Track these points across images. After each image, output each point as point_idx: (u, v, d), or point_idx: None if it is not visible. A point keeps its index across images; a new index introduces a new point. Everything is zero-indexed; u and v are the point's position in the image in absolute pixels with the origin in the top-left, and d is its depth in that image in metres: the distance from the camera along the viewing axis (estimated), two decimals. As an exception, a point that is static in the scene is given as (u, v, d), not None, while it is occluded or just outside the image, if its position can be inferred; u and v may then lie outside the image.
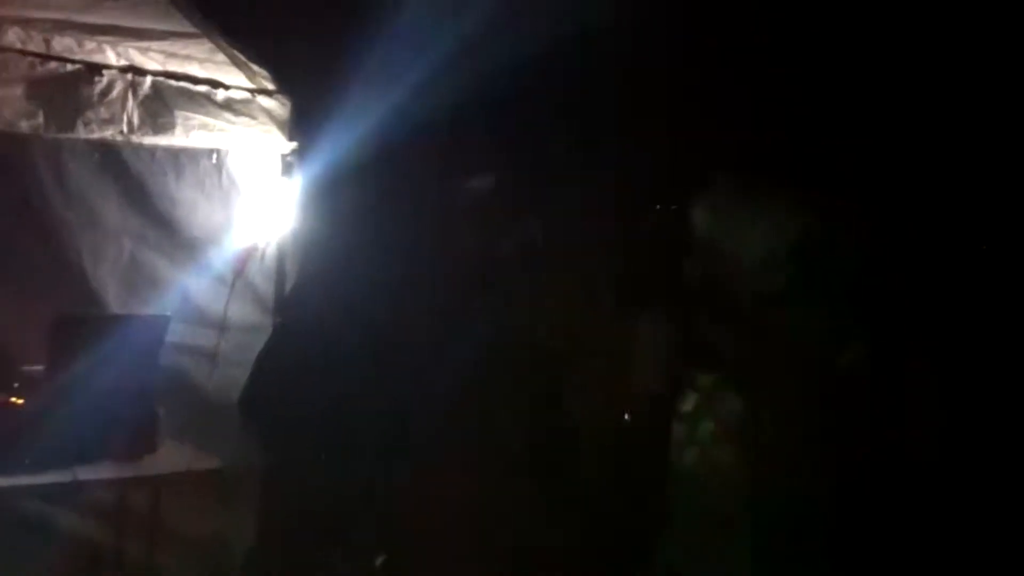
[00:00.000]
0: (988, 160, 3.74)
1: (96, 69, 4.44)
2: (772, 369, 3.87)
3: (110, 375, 4.24)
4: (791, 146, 4.00)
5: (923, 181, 3.81)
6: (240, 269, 4.95)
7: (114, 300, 4.95)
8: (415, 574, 4.19)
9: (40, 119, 4.27)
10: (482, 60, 4.18)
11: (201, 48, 4.72)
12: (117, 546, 4.68)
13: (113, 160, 4.89)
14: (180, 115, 4.66)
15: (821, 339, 3.82)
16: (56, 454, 4.14)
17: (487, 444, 3.95)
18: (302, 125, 4.94)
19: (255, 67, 4.79)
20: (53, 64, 4.33)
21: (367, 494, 4.33)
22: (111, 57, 4.54)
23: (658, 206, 4.26)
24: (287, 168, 5.01)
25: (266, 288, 5.04)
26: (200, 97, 4.74)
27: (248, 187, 5.10)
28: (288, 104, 4.95)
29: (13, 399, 4.25)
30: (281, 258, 5.01)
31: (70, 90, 4.36)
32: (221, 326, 4.88)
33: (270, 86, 4.91)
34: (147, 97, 4.57)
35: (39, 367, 4.38)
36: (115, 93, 4.48)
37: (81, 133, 4.41)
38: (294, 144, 4.95)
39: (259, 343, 4.82)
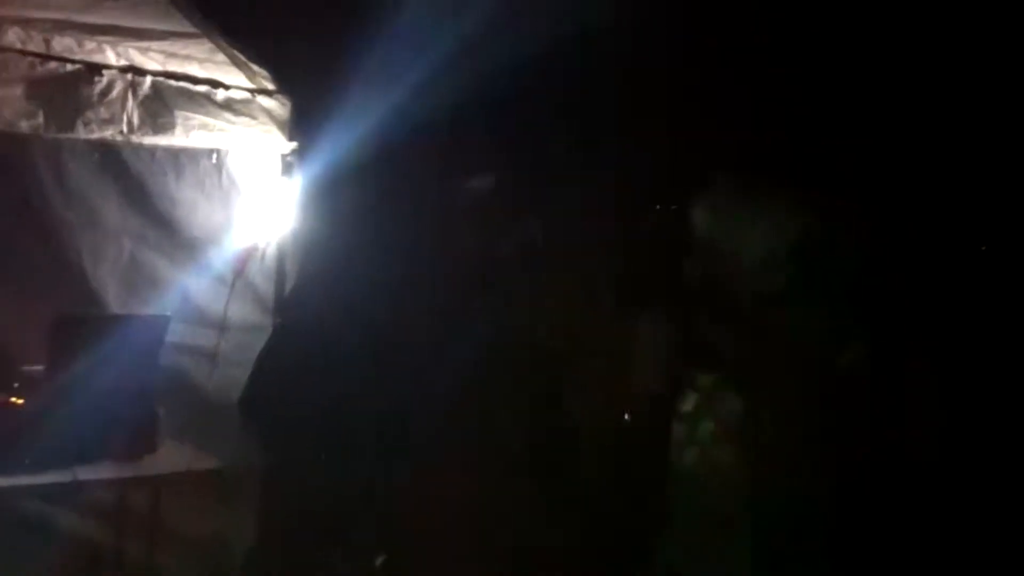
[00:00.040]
0: (987, 160, 3.74)
1: (96, 69, 4.44)
2: (772, 369, 3.87)
3: (110, 375, 4.24)
4: (791, 146, 4.00)
5: (923, 181, 3.81)
6: (240, 269, 4.95)
7: (114, 300, 4.94)
8: (415, 574, 4.19)
9: (40, 119, 4.26)
10: (482, 60, 4.19)
11: (201, 48, 4.72)
12: (117, 546, 4.68)
13: (113, 160, 4.88)
14: (180, 115, 4.66)
15: (821, 339, 3.82)
16: (56, 454, 4.13)
17: (487, 444, 3.95)
18: (302, 125, 4.94)
19: (255, 67, 4.79)
20: (53, 64, 4.33)
21: (367, 494, 4.33)
22: (111, 57, 4.54)
23: (658, 206, 4.26)
24: (287, 168, 5.01)
25: (266, 288, 5.04)
26: (200, 97, 4.74)
27: (248, 187, 5.10)
28: (288, 104, 4.95)
29: (13, 399, 4.24)
30: (281, 258, 5.01)
31: (70, 90, 4.35)
32: (221, 326, 4.88)
33: (270, 86, 4.90)
34: (147, 97, 4.56)
35: (39, 367, 4.37)
36: (115, 93, 4.48)
37: (81, 133, 4.41)
38: (294, 144, 4.94)
39: (259, 343, 4.82)
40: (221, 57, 4.77)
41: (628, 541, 3.94)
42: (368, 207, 4.61)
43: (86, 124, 4.41)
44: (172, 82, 4.66)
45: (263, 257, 4.99)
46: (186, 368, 4.93)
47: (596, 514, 3.93)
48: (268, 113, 4.92)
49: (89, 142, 4.63)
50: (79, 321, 4.43)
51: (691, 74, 4.14)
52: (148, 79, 4.58)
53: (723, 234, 4.13)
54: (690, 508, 3.93)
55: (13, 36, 4.27)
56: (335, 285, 4.65)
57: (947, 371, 3.70)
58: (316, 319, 4.62)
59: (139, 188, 4.99)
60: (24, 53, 4.26)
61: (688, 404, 4.03)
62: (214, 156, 5.03)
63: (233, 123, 4.83)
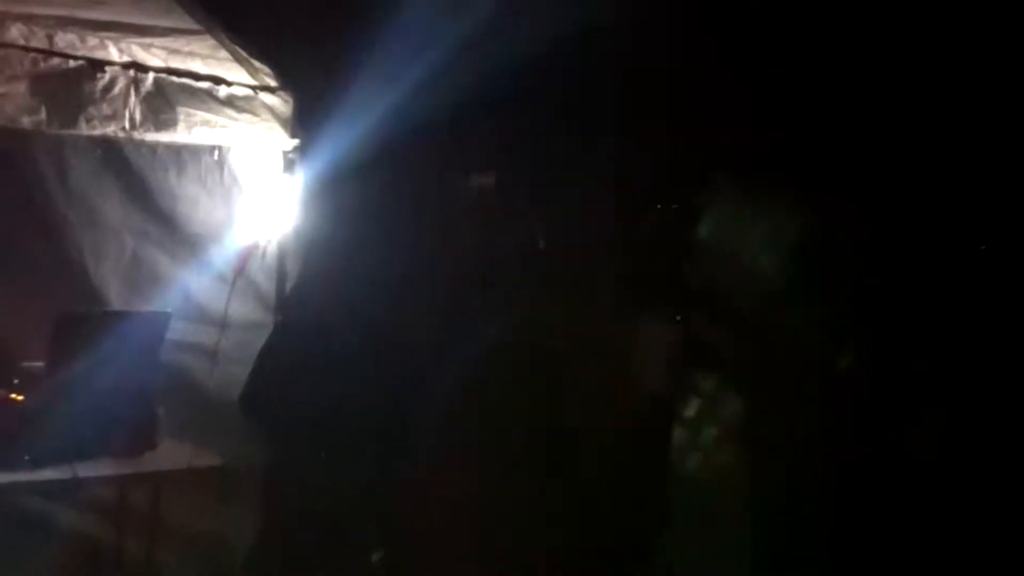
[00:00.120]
0: (987, 160, 3.73)
1: (99, 65, 4.43)
2: (772, 369, 3.87)
3: (111, 372, 4.24)
4: (791, 146, 3.99)
5: (923, 181, 3.80)
6: (241, 267, 4.95)
7: (115, 297, 4.94)
8: (415, 574, 4.19)
9: (42, 115, 4.26)
10: (483, 59, 4.19)
11: (204, 45, 4.73)
12: (117, 543, 4.69)
13: (115, 156, 4.88)
14: (182, 112, 4.66)
15: (821, 339, 3.82)
16: (56, 451, 4.13)
17: (487, 443, 3.95)
18: (304, 122, 4.94)
19: (257, 64, 4.79)
20: (56, 60, 4.33)
21: (367, 493, 4.33)
22: (114, 53, 4.53)
23: (658, 206, 4.26)
24: (289, 165, 5.01)
25: (267, 286, 5.04)
26: (202, 94, 4.74)
27: (250, 184, 5.10)
28: (290, 101, 4.95)
29: (13, 396, 4.25)
30: (282, 256, 5.01)
31: (72, 86, 4.35)
32: (222, 324, 4.88)
33: (272, 83, 4.91)
34: (149, 94, 4.56)
35: (39, 364, 4.38)
36: (117, 89, 4.48)
37: (83, 129, 4.41)
38: (296, 141, 4.95)
39: (260, 341, 4.83)
40: (223, 54, 4.78)
41: (628, 541, 3.94)
42: (369, 205, 4.62)
43: (88, 120, 4.41)
44: (174, 79, 4.66)
45: (264, 255, 4.99)
46: (187, 365, 4.93)
47: (596, 514, 3.93)
48: (270, 110, 4.92)
49: (91, 138, 4.63)
50: (80, 318, 4.44)
51: (691, 74, 4.14)
52: (150, 75, 4.57)
53: (723, 234, 4.12)
54: (690, 509, 3.93)
55: (16, 32, 4.27)
56: (336, 283, 4.66)
57: (948, 371, 3.70)
58: (317, 317, 4.62)
59: (141, 185, 4.99)
60: (27, 49, 4.26)
61: (688, 404, 4.02)
62: (216, 153, 5.03)
63: (235, 120, 4.83)
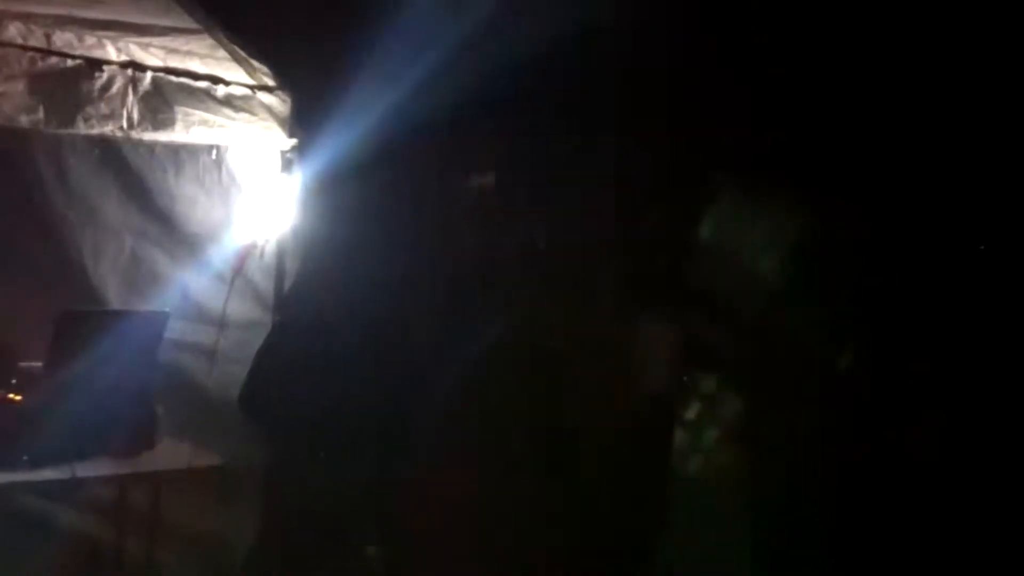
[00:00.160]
0: (987, 160, 3.74)
1: (96, 64, 4.43)
2: (772, 369, 3.88)
3: (109, 372, 4.24)
4: (791, 146, 4.00)
5: (923, 181, 3.81)
6: (239, 266, 4.95)
7: (114, 296, 4.94)
8: (415, 574, 4.20)
9: (40, 114, 4.25)
10: (483, 59, 4.18)
11: (202, 44, 4.72)
12: (116, 543, 4.69)
13: (113, 156, 4.88)
14: (180, 111, 4.65)
15: (821, 339, 3.82)
16: (55, 451, 4.13)
17: (487, 444, 3.95)
18: (302, 121, 4.94)
19: (255, 63, 4.79)
20: (54, 59, 4.31)
21: (367, 493, 4.34)
22: (111, 53, 4.52)
23: (658, 206, 4.27)
24: (287, 165, 5.01)
25: (266, 285, 5.05)
26: (200, 93, 4.73)
27: (248, 184, 5.10)
28: (288, 100, 4.95)
29: (12, 396, 4.24)
30: (281, 255, 5.01)
31: (70, 85, 4.34)
32: (220, 323, 4.88)
33: (270, 82, 4.90)
34: (147, 93, 4.56)
35: (38, 363, 4.37)
36: (115, 89, 4.47)
37: (81, 128, 4.40)
38: (294, 141, 4.94)
39: (258, 340, 4.82)
40: (222, 53, 4.77)
41: (628, 541, 3.95)
42: (368, 205, 4.61)
43: (86, 119, 4.40)
44: (172, 78, 4.65)
45: (262, 254, 4.99)
46: (186, 365, 4.94)
47: (596, 514, 3.94)
48: (268, 109, 4.92)
49: (89, 138, 4.63)
50: (81, 316, 4.43)
51: (691, 74, 4.14)
52: (148, 75, 4.56)
53: (723, 234, 4.13)
54: (691, 509, 3.93)
55: (14, 31, 4.26)
56: (335, 283, 4.65)
57: (948, 371, 3.71)
58: (316, 317, 4.62)
59: (139, 184, 4.99)
60: (25, 48, 4.25)
61: (688, 405, 4.03)
62: (214, 152, 5.03)
63: (233, 119, 4.82)
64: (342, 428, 4.36)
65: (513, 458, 3.91)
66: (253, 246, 4.98)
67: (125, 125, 4.50)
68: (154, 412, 4.57)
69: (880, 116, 3.92)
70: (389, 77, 4.42)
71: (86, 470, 4.22)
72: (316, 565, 4.35)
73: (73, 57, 4.38)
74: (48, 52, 4.32)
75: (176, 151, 4.98)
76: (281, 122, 4.94)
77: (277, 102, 4.93)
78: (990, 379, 3.63)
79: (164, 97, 4.61)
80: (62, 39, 4.40)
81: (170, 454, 4.55)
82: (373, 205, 4.56)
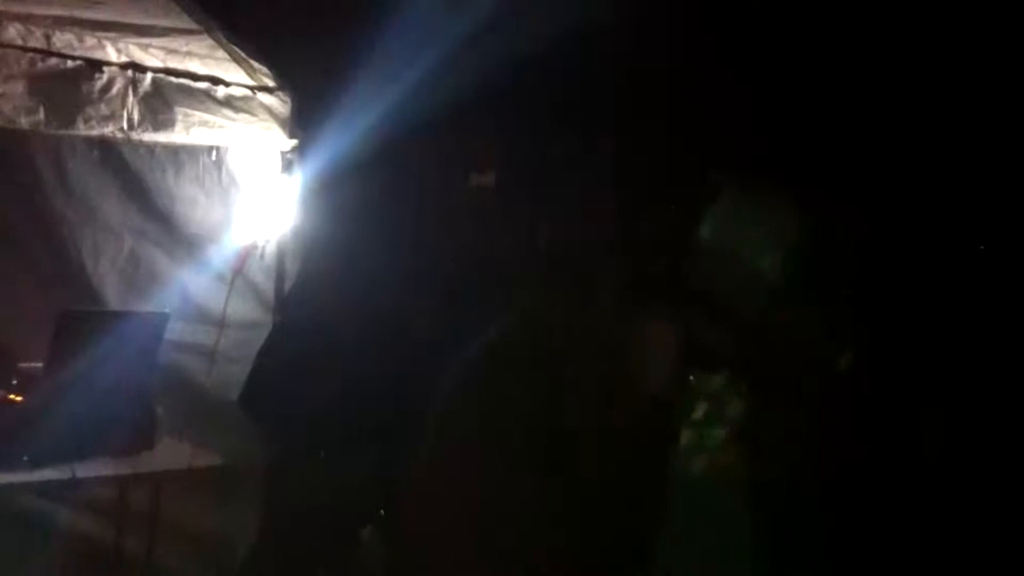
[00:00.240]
0: (987, 160, 3.75)
1: (97, 65, 4.42)
2: (773, 369, 3.88)
3: (109, 372, 4.24)
4: (791, 146, 4.00)
5: (923, 181, 3.81)
6: (240, 266, 4.95)
7: (113, 297, 4.94)
8: (415, 573, 4.19)
9: (40, 115, 4.25)
10: (483, 58, 4.19)
11: (202, 45, 4.72)
12: (116, 543, 4.69)
13: (113, 157, 4.88)
14: (180, 112, 4.65)
15: (821, 339, 3.82)
16: (54, 451, 4.13)
17: (488, 443, 3.95)
18: (302, 122, 4.94)
19: (255, 64, 4.79)
20: (54, 60, 4.31)
21: (367, 492, 4.34)
22: (112, 53, 4.52)
23: (658, 206, 4.27)
24: (287, 165, 5.01)
25: (266, 286, 5.04)
26: (200, 94, 4.73)
27: (248, 184, 5.09)
28: (288, 101, 4.94)
29: (11, 396, 4.24)
30: (281, 255, 5.01)
31: (70, 86, 4.34)
32: (220, 323, 4.88)
33: (270, 83, 4.90)
34: (147, 94, 4.55)
35: (37, 364, 4.37)
36: (115, 89, 4.47)
37: (81, 129, 4.39)
38: (294, 141, 4.94)
39: (258, 340, 4.83)
40: (222, 54, 4.77)
41: (628, 541, 3.95)
42: (368, 205, 4.62)
43: (86, 120, 4.40)
44: (172, 79, 4.65)
45: (263, 254, 4.99)
46: (185, 365, 4.93)
47: (597, 514, 3.93)
48: (268, 110, 4.92)
49: (89, 139, 4.63)
50: (82, 316, 4.43)
51: (691, 74, 4.15)
52: (148, 76, 4.56)
53: (723, 234, 4.13)
54: (691, 509, 3.93)
55: (14, 32, 4.26)
56: (335, 282, 4.66)
57: (948, 371, 3.71)
58: (316, 317, 4.62)
59: (139, 185, 4.98)
60: (25, 49, 4.25)
61: (690, 405, 4.03)
62: (214, 153, 5.02)
63: (233, 120, 4.82)
64: (342, 428, 4.37)
65: (514, 457, 3.91)
66: (253, 247, 4.98)
67: (125, 126, 4.50)
68: (154, 412, 4.56)
69: (880, 116, 3.92)
70: (389, 77, 4.43)
71: (86, 470, 4.21)
72: (316, 564, 4.35)
73: (73, 58, 4.38)
74: (48, 53, 4.32)
75: (176, 152, 4.97)
76: (281, 123, 4.94)
77: (277, 103, 4.93)
78: (990, 379, 3.63)
79: (164, 98, 4.61)
80: (62, 40, 4.40)
81: (170, 454, 4.55)
82: (373, 205, 4.56)
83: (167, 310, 4.67)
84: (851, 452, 3.68)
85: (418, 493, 4.11)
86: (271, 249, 5.00)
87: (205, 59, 4.79)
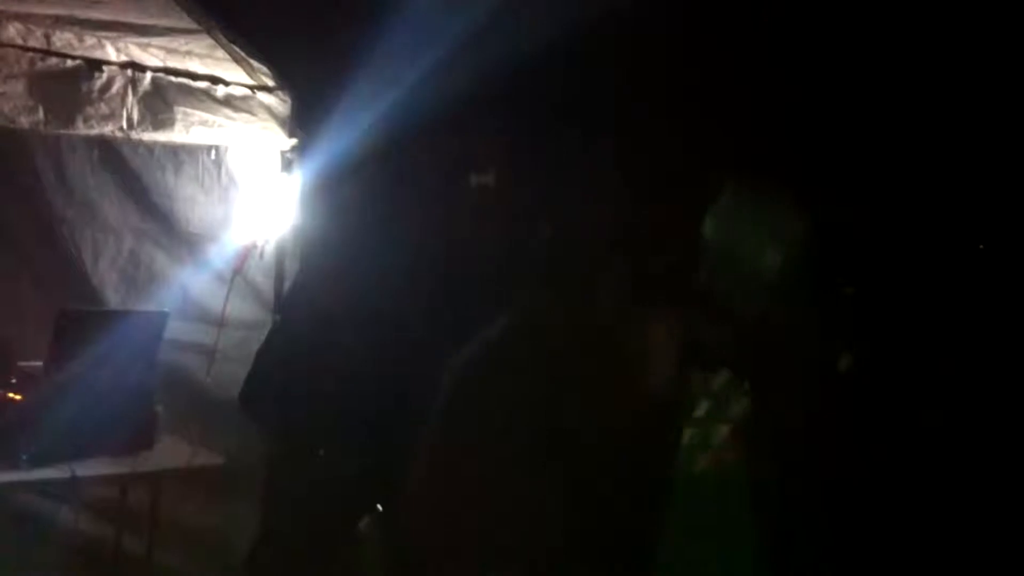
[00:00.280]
0: (987, 160, 3.75)
1: (96, 65, 4.43)
2: (774, 369, 3.87)
3: (109, 371, 4.25)
4: (793, 145, 4.00)
5: (924, 181, 3.81)
6: (239, 266, 4.95)
7: (113, 296, 4.95)
8: (415, 572, 4.19)
9: (40, 115, 4.25)
10: (483, 57, 4.19)
11: (201, 44, 4.72)
12: (116, 542, 4.69)
13: (112, 156, 4.89)
14: (180, 111, 4.65)
15: (822, 339, 3.82)
16: (54, 450, 4.13)
17: (490, 442, 3.95)
18: (302, 121, 4.94)
19: (255, 63, 4.79)
20: (53, 60, 4.32)
21: (367, 491, 4.34)
22: (111, 53, 4.53)
23: (659, 205, 4.27)
24: (286, 165, 5.02)
25: (265, 285, 5.05)
26: (200, 93, 4.73)
27: (247, 184, 5.10)
28: (288, 100, 4.95)
29: (11, 395, 4.25)
30: (280, 255, 5.01)
31: (70, 86, 4.34)
32: (220, 323, 4.89)
33: (270, 82, 4.90)
34: (147, 93, 4.56)
35: (37, 363, 4.38)
36: (115, 89, 4.47)
37: (81, 129, 4.40)
38: (294, 140, 4.95)
39: (258, 340, 4.82)
40: (221, 53, 4.77)
41: (628, 541, 3.94)
42: (368, 204, 4.61)
43: (86, 120, 4.40)
44: (172, 78, 4.65)
45: (262, 254, 4.99)
46: (185, 364, 4.94)
47: (597, 514, 3.93)
48: (268, 110, 4.92)
49: (88, 138, 4.64)
50: (79, 317, 4.44)
51: (692, 73, 4.15)
52: (148, 75, 4.56)
53: (724, 234, 4.12)
54: (691, 509, 3.93)
55: (13, 31, 4.27)
56: (335, 281, 4.65)
57: (948, 371, 3.71)
58: (316, 316, 4.62)
59: (138, 184, 4.99)
60: (24, 49, 4.26)
61: (691, 404, 4.02)
62: (213, 152, 5.03)
63: (233, 119, 4.82)
64: (342, 427, 4.36)
65: (514, 456, 3.91)
66: (253, 246, 4.98)
67: (125, 125, 4.50)
68: (154, 411, 4.57)
69: (881, 116, 3.92)
70: (389, 76, 4.43)
71: (85, 469, 4.21)
72: (316, 563, 4.34)
73: (73, 57, 4.38)
74: (48, 52, 4.32)
75: (176, 151, 4.98)
76: (281, 122, 4.94)
77: (277, 102, 4.93)
78: (991, 378, 3.63)
79: (163, 97, 4.62)
80: (62, 39, 4.41)
81: (170, 453, 4.56)
82: (373, 204, 4.56)
83: (167, 309, 4.68)
84: (851, 451, 3.68)
85: (418, 492, 4.11)
86: (271, 248, 5.00)
87: (205, 58, 4.80)
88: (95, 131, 4.45)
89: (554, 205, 4.34)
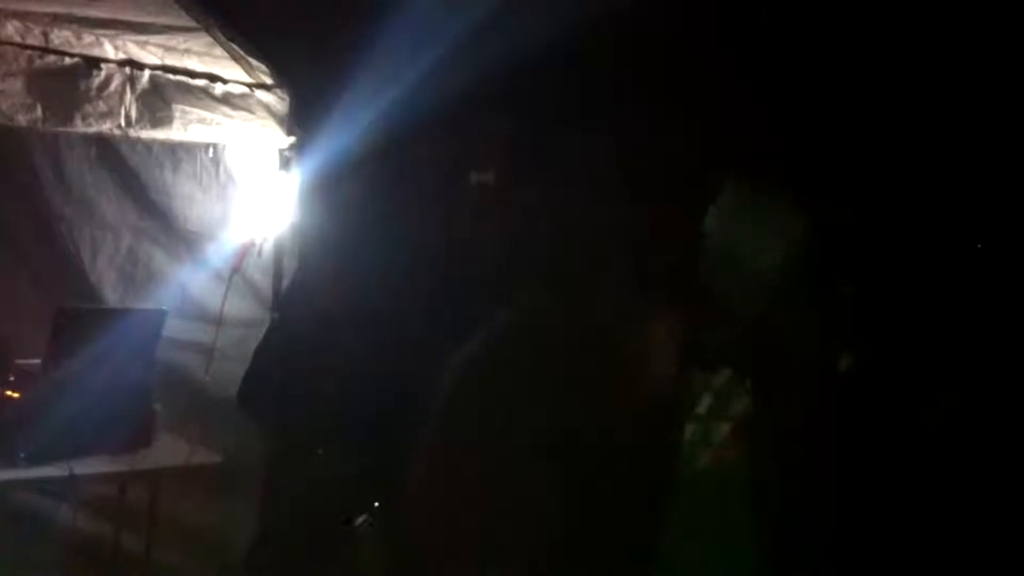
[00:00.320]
0: (987, 160, 3.75)
1: (94, 63, 4.43)
2: (774, 369, 3.88)
3: (107, 369, 4.25)
4: (793, 145, 4.00)
5: (924, 181, 3.82)
6: (237, 264, 4.95)
7: (111, 294, 4.94)
8: (415, 572, 4.20)
9: (38, 112, 4.26)
10: (483, 55, 4.18)
11: (200, 42, 4.72)
12: (114, 540, 4.69)
13: (111, 154, 4.88)
14: (178, 109, 4.66)
15: (823, 339, 3.83)
16: (52, 448, 4.13)
17: (490, 442, 3.95)
18: (301, 119, 4.94)
19: (253, 61, 4.79)
20: (51, 57, 4.32)
21: (366, 490, 4.34)
22: (109, 51, 4.53)
23: (660, 205, 4.27)
24: (285, 163, 5.01)
25: (264, 283, 5.05)
26: (198, 91, 4.73)
27: (246, 182, 5.10)
28: (287, 98, 4.95)
29: (9, 392, 4.24)
30: (279, 253, 5.01)
31: (68, 83, 4.35)
32: (218, 321, 4.88)
33: (268, 80, 4.91)
34: (145, 91, 4.56)
35: (35, 361, 4.37)
36: (113, 87, 4.48)
37: (79, 127, 4.40)
38: (292, 139, 4.95)
39: (256, 338, 4.83)
40: (219, 51, 4.77)
41: (628, 541, 3.95)
42: (367, 202, 4.61)
43: (84, 118, 4.40)
44: (170, 76, 4.66)
45: (260, 252, 4.99)
46: (183, 363, 4.94)
47: (597, 514, 3.94)
48: (266, 108, 4.92)
49: (87, 136, 4.63)
50: (78, 315, 4.43)
51: (693, 73, 4.14)
52: (146, 73, 4.57)
53: (724, 234, 4.13)
54: (692, 508, 3.94)
55: (12, 29, 4.27)
56: (333, 280, 4.65)
57: (949, 371, 3.72)
58: (314, 314, 4.62)
59: (137, 182, 4.98)
60: (23, 46, 4.26)
61: (692, 403, 4.03)
62: (212, 150, 5.03)
63: (231, 117, 4.83)
64: (340, 425, 4.37)
65: (514, 455, 3.91)
66: (251, 244, 4.98)
67: (123, 123, 4.50)
68: (152, 409, 4.57)
69: (882, 116, 3.92)
70: (388, 75, 4.42)
71: (84, 467, 4.21)
72: (315, 562, 4.35)
73: (71, 55, 4.38)
74: (46, 50, 4.33)
75: (174, 149, 4.97)
76: (279, 120, 4.94)
77: (275, 100, 4.94)
78: (991, 378, 3.64)
79: (162, 95, 4.62)
80: (60, 37, 4.41)
81: (168, 451, 4.56)
82: (372, 203, 4.56)
83: (165, 307, 4.68)
84: (852, 450, 3.69)
85: (417, 491, 4.12)
86: (269, 247, 5.00)
87: (203, 56, 4.79)
88: (93, 129, 4.45)
89: (554, 205, 4.33)
